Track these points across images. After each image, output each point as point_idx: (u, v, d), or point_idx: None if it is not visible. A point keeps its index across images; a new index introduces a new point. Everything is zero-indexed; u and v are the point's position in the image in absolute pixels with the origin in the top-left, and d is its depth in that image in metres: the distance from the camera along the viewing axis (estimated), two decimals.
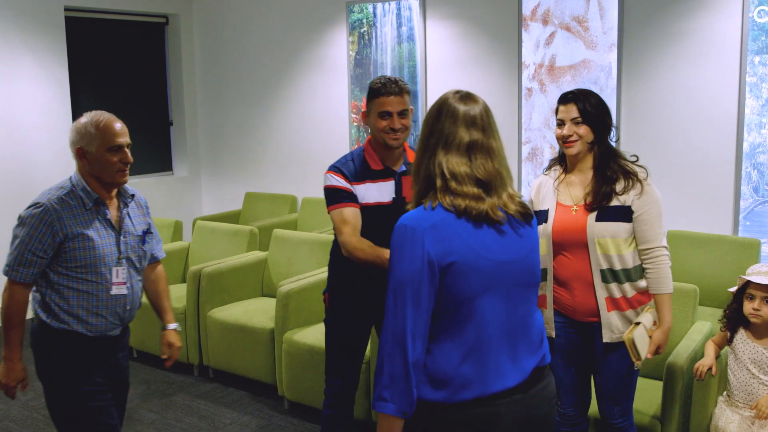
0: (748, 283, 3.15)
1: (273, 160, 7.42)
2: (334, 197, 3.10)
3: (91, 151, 2.74)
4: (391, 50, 6.40)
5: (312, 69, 6.96)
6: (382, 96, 3.02)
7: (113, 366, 2.92)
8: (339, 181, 3.09)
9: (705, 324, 3.69)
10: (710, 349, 3.26)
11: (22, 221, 2.72)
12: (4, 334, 2.75)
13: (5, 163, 6.30)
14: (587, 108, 2.93)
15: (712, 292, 4.45)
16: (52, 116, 6.60)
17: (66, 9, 6.73)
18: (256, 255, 5.37)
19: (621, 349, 2.92)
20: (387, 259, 3.06)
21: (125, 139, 2.78)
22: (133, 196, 2.95)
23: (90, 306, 2.76)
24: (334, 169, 3.11)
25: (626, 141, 5.32)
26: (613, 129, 3.01)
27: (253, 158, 7.63)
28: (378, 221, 2.99)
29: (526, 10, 5.62)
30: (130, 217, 2.91)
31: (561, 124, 2.98)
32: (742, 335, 3.19)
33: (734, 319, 3.21)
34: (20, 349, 2.79)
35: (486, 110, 2.09)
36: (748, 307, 3.14)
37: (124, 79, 7.51)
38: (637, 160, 3.02)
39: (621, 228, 2.90)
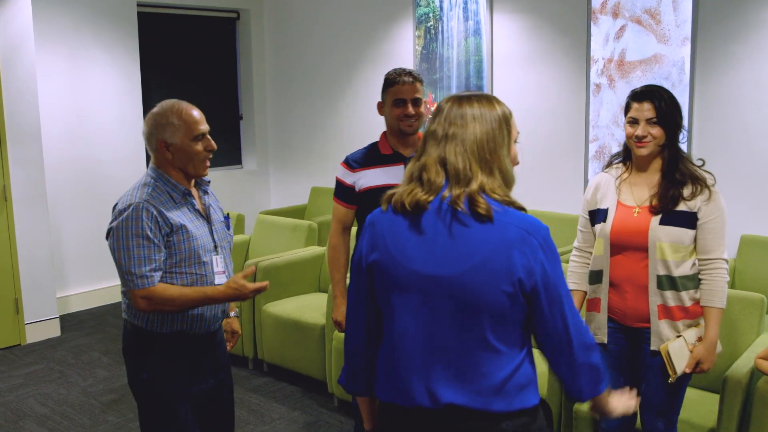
0: None
1: (339, 155, 7.36)
2: (336, 189, 3.37)
3: (175, 142, 2.59)
4: (457, 45, 6.28)
5: (379, 63, 6.90)
6: (397, 85, 3.20)
7: (212, 365, 2.79)
8: (343, 173, 3.32)
9: None
10: (763, 362, 3.05)
11: (122, 229, 2.50)
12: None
13: (77, 157, 6.47)
14: (662, 107, 2.77)
15: None
16: (123, 111, 6.74)
17: (138, 5, 6.86)
18: (314, 250, 5.34)
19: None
20: (333, 278, 3.33)
21: (206, 126, 2.66)
22: (209, 182, 2.84)
23: None
24: (344, 159, 3.35)
25: (699, 140, 5.06)
26: (684, 130, 2.85)
27: (320, 153, 7.63)
28: None
29: (596, 3, 5.41)
30: (212, 205, 2.81)
31: (634, 122, 2.83)
32: None
33: None
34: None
35: (458, 103, 1.88)
36: None
37: (195, 74, 7.62)
38: (704, 165, 2.87)
39: (685, 234, 2.75)
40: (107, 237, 2.57)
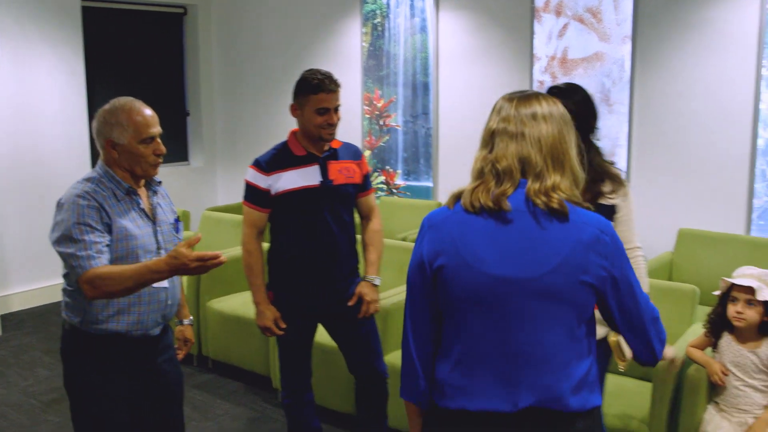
0: (733, 286, 3.03)
1: None
2: (247, 193, 3.24)
3: (122, 143, 2.51)
4: (404, 41, 6.31)
5: (326, 60, 6.90)
6: (322, 93, 3.11)
7: (153, 373, 2.70)
8: (254, 176, 3.20)
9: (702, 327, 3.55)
10: (699, 354, 3.14)
11: (64, 220, 2.42)
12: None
13: (21, 154, 6.34)
14: (570, 106, 2.82)
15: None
16: (67, 107, 6.63)
17: None
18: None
19: (601, 346, 2.83)
20: (253, 285, 3.24)
21: (158, 129, 2.57)
22: (159, 183, 2.75)
23: (132, 301, 2.53)
24: (254, 162, 3.23)
25: (639, 137, 5.17)
26: (598, 129, 2.90)
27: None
28: (307, 203, 3.17)
29: (539, 2, 5.49)
30: (160, 205, 2.71)
31: None
32: (727, 339, 3.07)
33: (719, 324, 3.10)
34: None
35: (524, 101, 1.87)
36: (731, 310, 3.03)
37: (141, 70, 7.53)
38: (614, 164, 2.94)
39: None
40: (52, 231, 2.49)
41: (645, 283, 2.88)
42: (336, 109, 3.17)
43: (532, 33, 5.56)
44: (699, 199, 4.97)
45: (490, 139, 1.86)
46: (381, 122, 6.50)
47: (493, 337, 1.78)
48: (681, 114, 5.00)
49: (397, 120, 6.40)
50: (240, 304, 4.77)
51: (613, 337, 2.77)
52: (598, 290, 1.77)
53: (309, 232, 3.20)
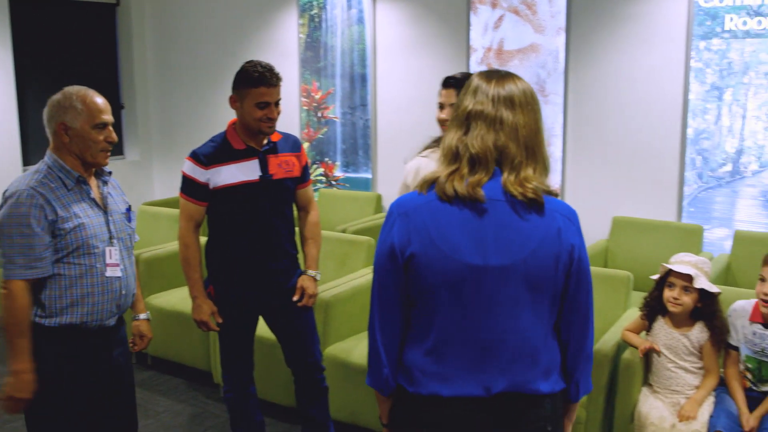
0: (670, 271, 3.12)
1: None
2: (185, 186, 3.18)
3: (74, 127, 2.52)
4: (341, 33, 6.29)
5: (263, 52, 6.83)
6: (263, 86, 3.06)
7: (109, 365, 2.68)
8: (192, 169, 3.13)
9: (637, 311, 3.64)
10: (634, 337, 3.22)
11: (8, 215, 2.44)
12: (14, 344, 2.46)
13: None
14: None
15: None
16: None
17: None
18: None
19: None
20: (190, 278, 3.18)
21: (110, 116, 2.59)
22: (110, 173, 2.74)
23: (85, 292, 2.53)
24: (192, 154, 3.16)
25: (573, 127, 5.26)
26: None
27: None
28: (246, 198, 3.13)
29: None
30: (111, 195, 2.70)
31: (441, 107, 2.99)
32: (660, 323, 3.17)
33: (654, 308, 3.19)
34: (31, 358, 2.49)
35: (500, 82, 1.85)
36: (668, 295, 3.12)
37: (73, 62, 7.33)
38: None
39: None
40: None
41: None
42: (277, 103, 3.13)
43: (468, 24, 5.60)
44: (632, 188, 5.09)
45: (465, 120, 1.83)
46: (319, 114, 6.48)
47: (467, 324, 1.78)
48: (614, 104, 5.11)
49: (335, 112, 6.39)
50: (179, 299, 4.71)
51: None
52: (564, 277, 1.81)
53: (248, 226, 3.16)
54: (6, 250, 2.46)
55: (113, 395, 2.74)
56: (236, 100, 3.15)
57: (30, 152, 6.90)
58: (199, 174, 3.12)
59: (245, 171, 3.13)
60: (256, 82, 3.06)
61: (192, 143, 7.59)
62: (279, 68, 6.35)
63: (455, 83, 2.92)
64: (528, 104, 1.83)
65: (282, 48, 6.68)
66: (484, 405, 1.79)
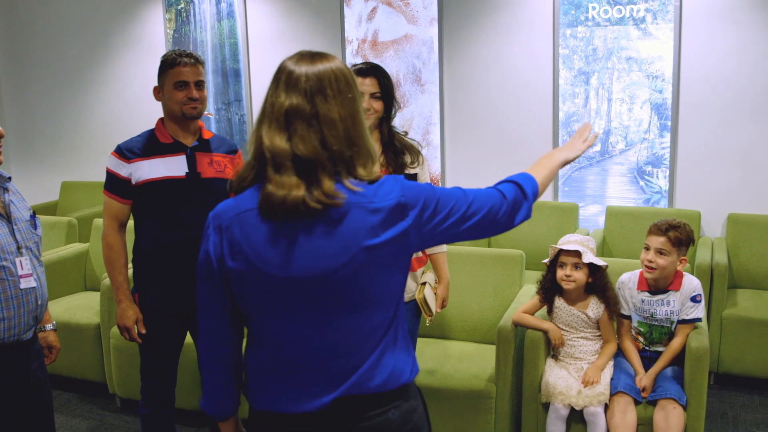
0: (560, 252, 3.32)
1: (90, 146, 6.99)
2: (107, 182, 3.03)
3: None
4: (210, 28, 6.18)
5: (127, 48, 6.60)
6: (178, 66, 2.93)
7: (27, 381, 2.52)
8: (115, 163, 2.98)
9: (532, 288, 3.82)
10: (530, 318, 3.38)
11: None
12: None
13: None
14: (385, 83, 2.95)
15: (537, 256, 4.61)
16: None
17: None
18: (77, 247, 5.04)
19: (410, 308, 3.02)
20: (115, 281, 3.03)
21: None
22: (9, 179, 2.54)
23: (0, 306, 2.36)
24: (116, 148, 3.01)
25: (450, 115, 5.42)
26: (396, 105, 3.04)
27: (68, 145, 7.16)
28: (172, 196, 2.97)
29: None
30: (13, 202, 2.51)
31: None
32: (559, 302, 3.36)
33: (550, 289, 3.38)
34: None
35: (323, 70, 1.67)
36: (560, 273, 3.31)
37: None
38: (407, 135, 3.09)
39: None
40: None
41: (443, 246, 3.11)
42: (198, 85, 2.96)
43: (342, 17, 5.65)
44: (509, 170, 5.25)
45: (284, 118, 1.63)
46: None
47: (292, 335, 1.68)
48: (489, 91, 5.30)
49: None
50: (64, 309, 4.50)
51: (420, 295, 2.94)
52: (404, 249, 1.67)
53: (174, 227, 2.98)
54: None
55: (31, 411, 2.60)
56: (158, 90, 3.01)
57: None
58: (121, 168, 2.95)
59: (170, 166, 2.96)
60: (171, 64, 2.93)
61: (54, 147, 7.27)
62: (145, 65, 6.27)
63: (366, 72, 2.94)
64: (341, 85, 1.67)
65: (148, 44, 6.47)
66: (321, 417, 1.69)
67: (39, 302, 2.53)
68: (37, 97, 7.23)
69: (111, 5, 6.61)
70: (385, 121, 2.98)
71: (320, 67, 1.68)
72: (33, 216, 2.61)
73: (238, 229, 1.66)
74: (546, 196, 5.19)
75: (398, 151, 2.97)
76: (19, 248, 2.47)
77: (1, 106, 7.38)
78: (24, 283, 2.44)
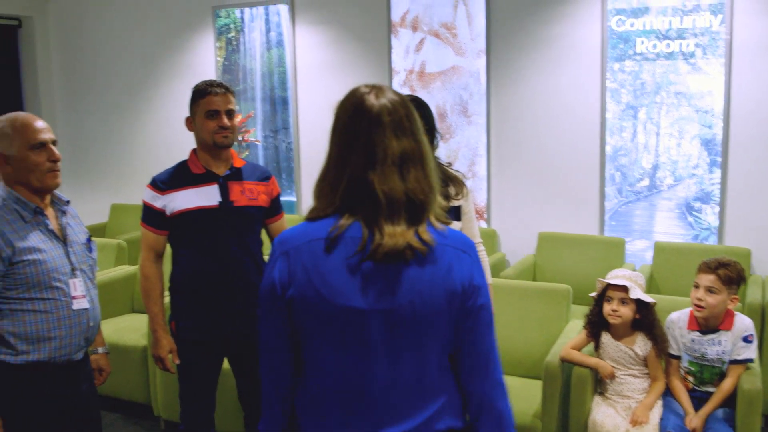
0: (607, 287, 3.30)
1: (139, 170, 7.12)
2: (144, 214, 3.08)
3: (12, 154, 2.43)
4: (260, 56, 6.28)
5: (178, 75, 6.74)
6: (209, 96, 2.99)
7: (77, 401, 2.58)
8: (150, 195, 3.04)
9: (578, 323, 3.79)
10: (577, 355, 3.34)
11: None
12: None
13: None
14: (425, 114, 2.97)
15: (583, 290, 4.57)
16: None
17: None
18: (125, 269, 5.12)
19: None
20: (150, 311, 3.07)
21: (49, 135, 2.48)
22: (68, 202, 2.64)
23: (51, 327, 2.44)
24: (151, 181, 3.06)
25: (496, 146, 5.43)
26: (438, 134, 3.05)
27: (118, 168, 7.31)
28: (206, 225, 3.00)
29: (395, 17, 5.65)
30: (70, 225, 2.60)
31: None
32: (606, 338, 3.33)
33: (597, 324, 3.35)
34: None
35: (408, 104, 1.71)
36: (607, 308, 3.29)
37: None
38: (451, 165, 3.10)
39: (456, 227, 3.00)
40: None
41: (488, 276, 3.10)
42: (229, 113, 3.02)
43: (389, 47, 5.70)
44: (556, 203, 5.28)
45: (400, 163, 1.64)
46: (240, 138, 6.43)
47: (351, 371, 1.65)
48: (535, 124, 5.30)
49: (256, 135, 6.36)
50: (112, 331, 4.57)
51: None
52: (459, 315, 1.66)
53: (209, 257, 3.01)
54: None
55: (81, 430, 2.65)
56: (191, 120, 3.07)
57: None
58: (156, 200, 3.01)
59: (203, 196, 3.00)
60: (202, 93, 3.00)
61: (104, 170, 7.41)
62: None
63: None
64: (341, 114, 1.70)
65: (198, 71, 6.59)
66: None
67: (91, 323, 2.60)
68: (90, 121, 7.40)
69: (164, 33, 6.76)
70: None
71: (405, 101, 1.70)
72: (89, 240, 2.68)
73: (307, 256, 1.64)
74: (592, 230, 5.15)
75: (442, 183, 2.98)
76: (73, 270, 2.55)
77: (56, 129, 7.55)
78: (77, 304, 2.52)
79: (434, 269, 1.62)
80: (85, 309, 2.56)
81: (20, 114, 2.50)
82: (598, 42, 5.04)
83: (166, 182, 3.03)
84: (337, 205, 1.66)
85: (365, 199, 1.63)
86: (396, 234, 1.59)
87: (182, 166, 3.09)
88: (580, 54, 5.12)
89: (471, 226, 3.06)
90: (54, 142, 2.52)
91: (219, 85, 3.02)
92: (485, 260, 3.10)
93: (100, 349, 2.83)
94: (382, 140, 1.64)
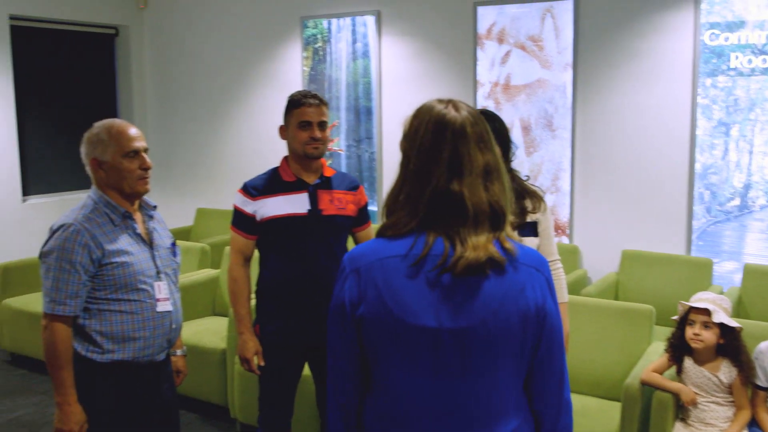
0: (690, 310, 3.19)
1: (226, 176, 7.29)
2: (234, 218, 3.16)
3: (106, 160, 2.53)
4: (345, 66, 6.35)
5: (266, 84, 6.87)
6: (303, 107, 3.06)
7: (158, 400, 2.68)
8: (240, 200, 3.11)
9: (661, 345, 3.68)
10: (659, 378, 3.24)
11: (51, 250, 2.46)
12: (55, 377, 2.46)
13: None
14: (497, 127, 2.94)
15: (667, 311, 4.44)
16: None
17: (11, 18, 6.53)
18: (208, 273, 5.24)
19: None
20: (237, 314, 3.12)
21: (142, 143, 2.58)
22: (155, 207, 2.76)
23: (136, 327, 2.54)
24: (242, 186, 3.15)
25: (581, 161, 5.34)
26: (515, 147, 3.03)
27: (205, 174, 7.49)
28: (295, 232, 3.05)
29: (482, 29, 5.62)
30: (156, 229, 2.71)
31: None
32: (689, 362, 3.22)
33: (679, 348, 3.24)
34: (74, 390, 2.49)
35: (483, 119, 1.71)
36: (689, 332, 3.18)
37: (72, 91, 7.31)
38: (529, 179, 3.06)
39: (534, 243, 2.97)
40: (41, 248, 2.52)
41: (564, 294, 3.05)
42: (321, 125, 3.08)
43: (475, 59, 5.68)
44: (641, 221, 5.16)
45: (483, 175, 1.65)
46: None
47: (422, 390, 1.62)
48: (622, 139, 5.19)
49: (340, 144, 6.43)
50: (193, 332, 4.67)
51: None
52: (533, 336, 1.62)
53: (296, 263, 3.07)
54: (45, 282, 2.49)
55: (159, 430, 2.72)
56: (284, 129, 3.15)
57: (30, 183, 6.86)
58: (247, 205, 3.09)
59: (293, 204, 3.07)
60: (297, 103, 3.07)
61: (191, 175, 7.61)
62: (281, 101, 6.44)
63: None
64: (415, 127, 1.69)
65: (285, 80, 6.71)
66: None
67: (173, 326, 2.68)
68: (179, 127, 7.62)
69: (253, 42, 6.91)
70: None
71: (481, 117, 1.70)
72: (173, 244, 2.77)
73: (380, 273, 1.63)
74: (678, 250, 5.01)
75: (518, 196, 2.93)
76: (158, 273, 2.63)
77: (147, 134, 7.80)
78: (161, 307, 2.60)
79: (508, 288, 1.59)
80: (169, 311, 2.65)
81: (116, 121, 2.60)
82: (690, 56, 4.91)
83: (257, 188, 3.10)
84: (419, 220, 1.64)
85: (450, 212, 1.62)
86: (479, 245, 1.58)
87: (274, 173, 3.16)
88: (670, 69, 4.99)
89: (549, 243, 3.02)
90: (146, 150, 2.61)
91: (314, 96, 3.09)
92: (562, 278, 3.05)
93: (179, 351, 2.91)
94: (467, 152, 1.63)
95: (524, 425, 1.66)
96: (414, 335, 1.59)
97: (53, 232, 2.50)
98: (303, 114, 3.06)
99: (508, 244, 1.62)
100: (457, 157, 1.63)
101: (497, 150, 1.70)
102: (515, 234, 1.69)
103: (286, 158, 3.20)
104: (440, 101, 1.70)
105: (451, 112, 1.66)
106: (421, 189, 1.64)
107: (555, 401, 1.68)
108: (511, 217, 1.68)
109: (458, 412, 1.61)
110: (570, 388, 1.73)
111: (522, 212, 2.93)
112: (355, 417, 1.77)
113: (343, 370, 1.74)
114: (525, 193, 2.96)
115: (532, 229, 2.95)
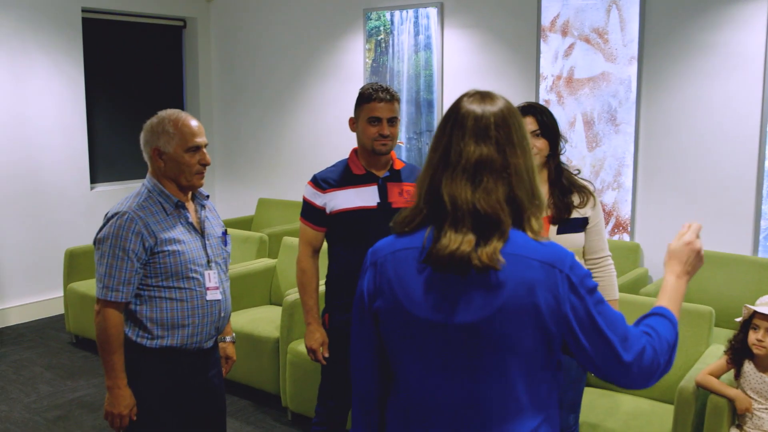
0: (755, 314, 3.06)
1: (287, 167, 7.36)
2: (304, 210, 3.18)
3: (168, 151, 2.58)
4: (407, 58, 6.32)
5: (328, 76, 6.90)
6: (373, 102, 3.03)
7: (205, 387, 2.74)
8: (310, 193, 3.14)
9: (720, 348, 3.56)
10: (716, 383, 3.13)
11: (105, 237, 2.52)
12: (106, 361, 2.53)
13: (17, 164, 6.26)
14: (544, 120, 2.89)
15: (729, 313, 4.32)
16: (66, 117, 6.58)
17: (83, 10, 6.71)
18: (265, 262, 5.30)
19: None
20: (305, 304, 3.14)
21: (203, 139, 2.63)
22: (207, 197, 2.80)
23: (186, 315, 2.59)
24: (312, 178, 3.16)
25: (645, 156, 5.20)
26: (564, 142, 2.98)
27: (267, 164, 7.58)
28: (364, 225, 3.05)
29: (545, 21, 5.53)
30: (208, 218, 2.76)
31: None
32: (749, 367, 3.10)
33: (740, 351, 3.12)
34: (125, 374, 2.56)
35: (507, 114, 1.62)
36: (752, 337, 3.06)
37: (140, 82, 7.49)
38: (580, 173, 3.02)
39: (579, 239, 2.91)
40: (96, 235, 2.59)
41: (614, 291, 3.00)
42: (391, 121, 3.05)
43: (538, 52, 5.59)
44: (706, 220, 5.00)
45: (474, 170, 1.58)
46: None
47: (432, 386, 1.60)
48: (688, 135, 5.04)
49: (400, 137, 6.41)
50: (248, 320, 4.74)
51: None
52: (552, 331, 1.54)
53: (363, 254, 3.07)
54: (98, 269, 2.54)
55: (207, 415, 2.77)
56: (354, 122, 3.14)
57: (97, 171, 7.05)
58: (317, 198, 3.11)
59: (363, 196, 3.08)
60: (368, 98, 3.05)
61: (254, 165, 7.71)
62: (343, 93, 6.54)
63: (532, 111, 2.91)
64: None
65: (348, 72, 6.73)
66: None
67: (222, 314, 2.71)
68: (243, 118, 7.72)
69: (316, 34, 6.95)
70: (551, 158, 2.92)
71: (505, 111, 1.62)
72: (224, 233, 2.80)
73: (392, 266, 1.64)
74: (744, 250, 4.83)
75: (565, 191, 2.89)
76: (209, 262, 2.67)
77: (212, 127, 7.94)
78: (210, 295, 2.64)
79: (516, 285, 1.51)
80: (218, 300, 2.68)
81: (182, 114, 2.63)
82: (762, 50, 4.72)
83: (327, 181, 3.12)
84: (424, 212, 1.62)
85: (435, 203, 1.59)
86: (453, 242, 1.52)
87: (344, 165, 3.17)
88: (741, 63, 4.81)
89: (599, 239, 2.97)
90: (206, 145, 2.66)
91: (385, 90, 3.06)
92: (612, 275, 2.99)
93: (228, 338, 2.95)
94: (458, 142, 1.58)
95: (544, 425, 1.60)
96: (423, 329, 1.58)
97: (108, 220, 2.56)
98: (373, 109, 3.04)
99: (489, 251, 1.51)
100: (449, 146, 1.59)
101: (519, 151, 1.60)
102: (546, 229, 1.65)
103: (355, 150, 3.19)
104: (474, 91, 1.68)
105: (465, 103, 1.63)
106: (424, 179, 1.63)
107: (622, 371, 1.54)
108: (539, 215, 1.61)
109: (471, 409, 1.58)
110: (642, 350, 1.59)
111: (567, 208, 2.88)
112: (377, 413, 1.77)
113: (363, 364, 1.76)
114: (573, 188, 2.92)
115: (578, 225, 2.90)
